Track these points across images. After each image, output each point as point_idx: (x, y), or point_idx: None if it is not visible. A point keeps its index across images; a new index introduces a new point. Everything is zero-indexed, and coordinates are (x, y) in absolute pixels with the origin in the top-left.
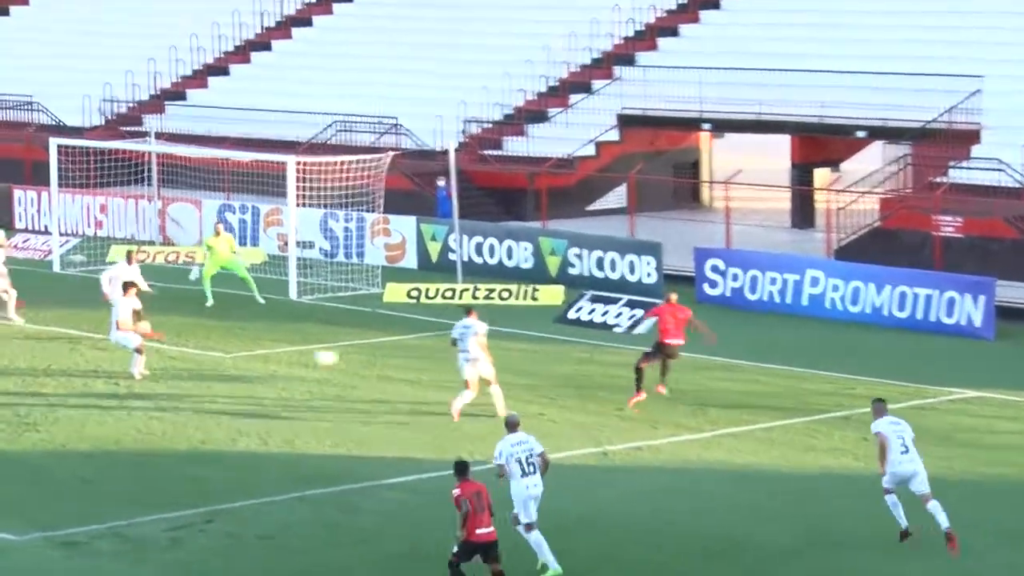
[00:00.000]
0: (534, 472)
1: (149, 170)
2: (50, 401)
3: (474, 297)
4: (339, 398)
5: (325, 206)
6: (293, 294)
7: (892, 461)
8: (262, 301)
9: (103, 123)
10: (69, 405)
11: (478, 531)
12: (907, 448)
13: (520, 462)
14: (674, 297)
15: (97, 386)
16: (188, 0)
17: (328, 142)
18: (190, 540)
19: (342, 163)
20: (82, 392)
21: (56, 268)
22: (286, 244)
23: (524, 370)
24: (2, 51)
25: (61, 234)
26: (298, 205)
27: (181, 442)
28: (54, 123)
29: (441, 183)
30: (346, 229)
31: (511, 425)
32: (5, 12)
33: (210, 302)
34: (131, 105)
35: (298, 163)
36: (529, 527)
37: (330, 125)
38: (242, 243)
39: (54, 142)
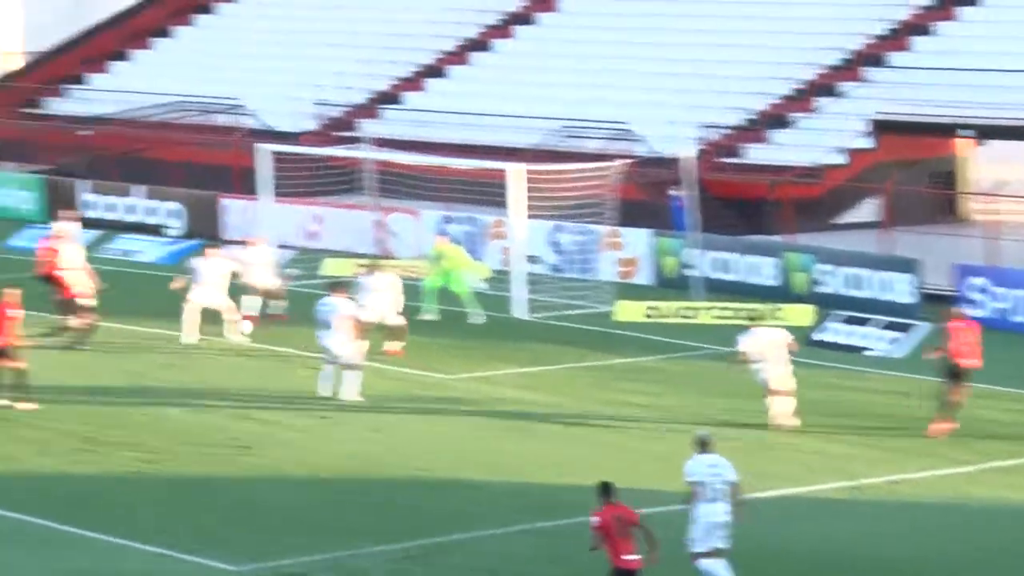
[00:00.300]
0: (722, 499)
1: (363, 178)
2: (265, 424)
3: (714, 316)
4: (569, 423)
5: (552, 218)
6: (518, 312)
7: None
8: (482, 320)
9: (315, 128)
10: (285, 428)
11: (624, 557)
12: None
13: (710, 487)
14: (961, 312)
15: (317, 409)
16: (404, 1)
17: (554, 149)
18: (412, 574)
19: (570, 171)
20: (298, 414)
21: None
22: (510, 259)
23: None
24: (208, 52)
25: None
26: (524, 217)
27: (402, 469)
28: (263, 128)
29: (676, 193)
30: (575, 242)
31: (704, 444)
32: (208, 10)
33: (434, 316)
34: (345, 109)
35: (524, 171)
36: (702, 555)
37: (556, 130)
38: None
39: (263, 148)
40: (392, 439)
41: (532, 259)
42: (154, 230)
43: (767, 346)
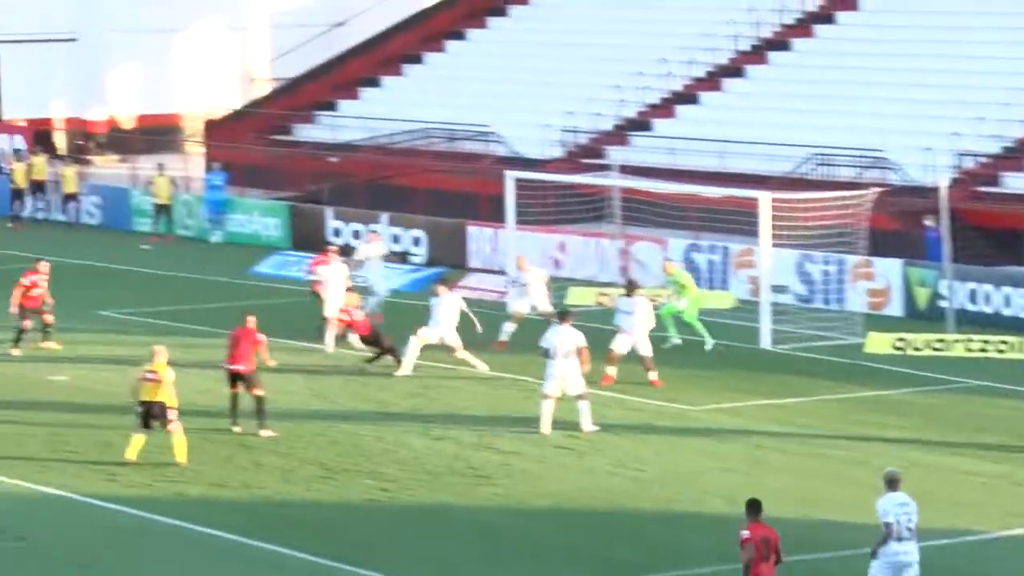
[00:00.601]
0: (911, 539)
1: (610, 206)
2: (505, 453)
3: (967, 349)
4: (814, 457)
5: (801, 247)
6: (765, 342)
7: None
8: (710, 346)
9: (563, 155)
10: (525, 458)
11: None
12: None
13: (900, 524)
14: None
15: (555, 438)
16: (657, 23)
17: (805, 177)
18: None
19: (821, 200)
20: (538, 444)
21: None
22: (758, 288)
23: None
24: (458, 78)
25: None
26: (772, 245)
27: (646, 501)
28: (511, 155)
29: (929, 222)
30: (824, 272)
31: (892, 483)
32: (461, 36)
33: (678, 342)
34: (593, 136)
35: (773, 199)
36: None
37: (808, 158)
38: (711, 286)
39: (511, 175)
40: (634, 470)
41: (779, 289)
42: (399, 257)
43: None
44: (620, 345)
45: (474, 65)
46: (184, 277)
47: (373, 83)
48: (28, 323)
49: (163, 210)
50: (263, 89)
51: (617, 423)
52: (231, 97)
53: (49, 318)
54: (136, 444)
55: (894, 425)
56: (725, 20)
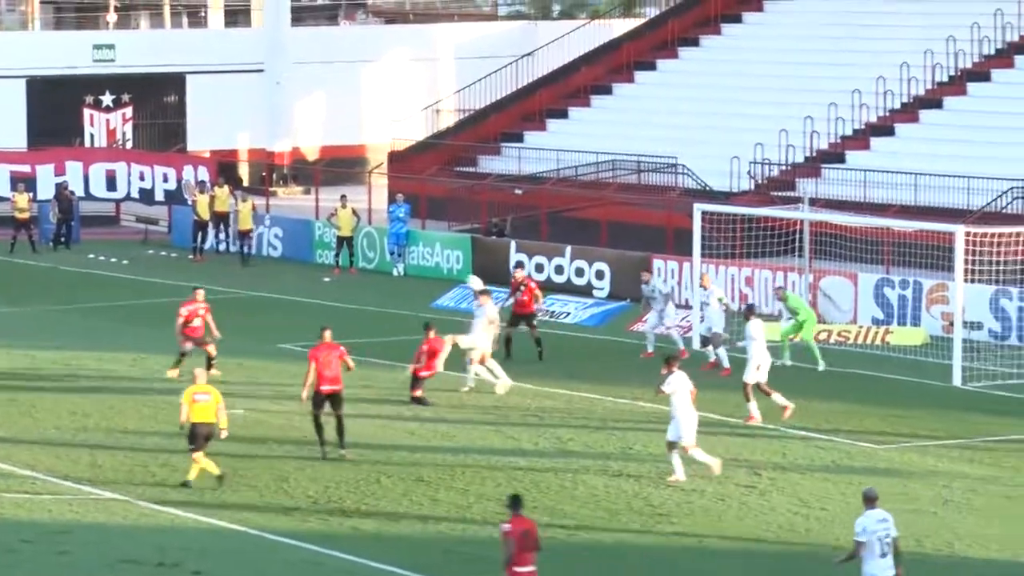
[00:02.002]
0: (889, 554)
1: (800, 239)
2: (686, 491)
3: None
4: (1007, 498)
5: (996, 282)
6: (957, 380)
7: None
8: (822, 368)
9: (752, 187)
10: (706, 496)
11: (516, 569)
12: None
13: (880, 541)
14: None
15: (737, 476)
16: (851, 53)
17: (1004, 210)
18: None
19: (1018, 234)
20: (720, 482)
21: (696, 345)
22: (951, 324)
23: None
24: (645, 109)
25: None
26: (966, 280)
27: (827, 540)
28: (699, 187)
29: None
30: (1020, 309)
31: (870, 500)
32: (651, 67)
33: (821, 366)
34: (784, 168)
35: (968, 233)
36: None
37: (1006, 191)
38: (901, 322)
39: (698, 208)
40: (817, 510)
41: (973, 325)
42: (583, 291)
43: None
44: (750, 376)
45: (663, 96)
46: (366, 310)
47: (560, 114)
48: (188, 345)
49: (345, 242)
50: (448, 120)
51: (801, 462)
52: (416, 128)
53: (212, 350)
54: (195, 467)
55: None
56: (923, 50)
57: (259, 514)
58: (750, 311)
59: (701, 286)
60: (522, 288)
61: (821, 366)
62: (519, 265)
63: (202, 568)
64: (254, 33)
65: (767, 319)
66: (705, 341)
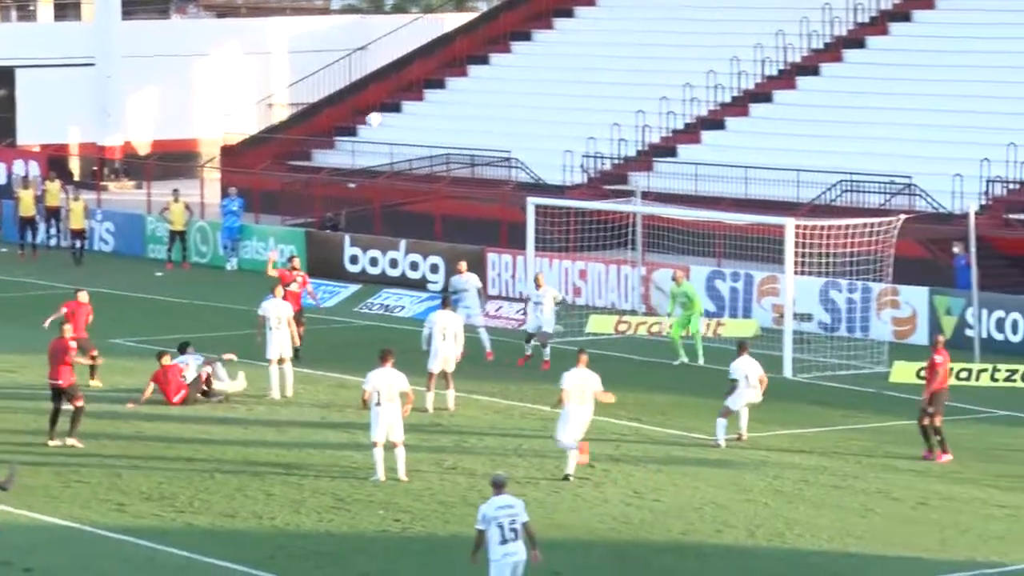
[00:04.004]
0: (515, 539)
1: (633, 233)
2: (520, 483)
3: (993, 379)
4: (836, 488)
5: (826, 274)
6: (788, 371)
7: None
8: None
9: (585, 181)
10: (540, 488)
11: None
12: None
13: (502, 527)
14: None
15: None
16: (681, 48)
17: (832, 203)
18: None
19: (846, 227)
20: (554, 474)
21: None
22: (781, 316)
23: None
24: (479, 103)
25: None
26: (796, 273)
27: (660, 532)
28: (532, 181)
29: (958, 250)
30: (849, 300)
31: (498, 485)
32: (484, 61)
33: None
34: (616, 161)
35: (798, 226)
36: None
37: (834, 185)
38: (733, 314)
39: (531, 201)
40: (651, 501)
41: (803, 317)
42: (417, 284)
43: None
44: (734, 403)
45: (496, 90)
46: (199, 305)
47: (393, 108)
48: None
49: (178, 237)
50: (281, 115)
51: (635, 453)
52: (249, 123)
53: (98, 357)
54: None
55: (917, 456)
56: (752, 44)
57: (92, 511)
58: (742, 348)
59: (536, 284)
60: (298, 281)
61: (701, 360)
62: (294, 257)
63: (34, 565)
64: (84, 27)
65: (601, 311)
66: (530, 338)
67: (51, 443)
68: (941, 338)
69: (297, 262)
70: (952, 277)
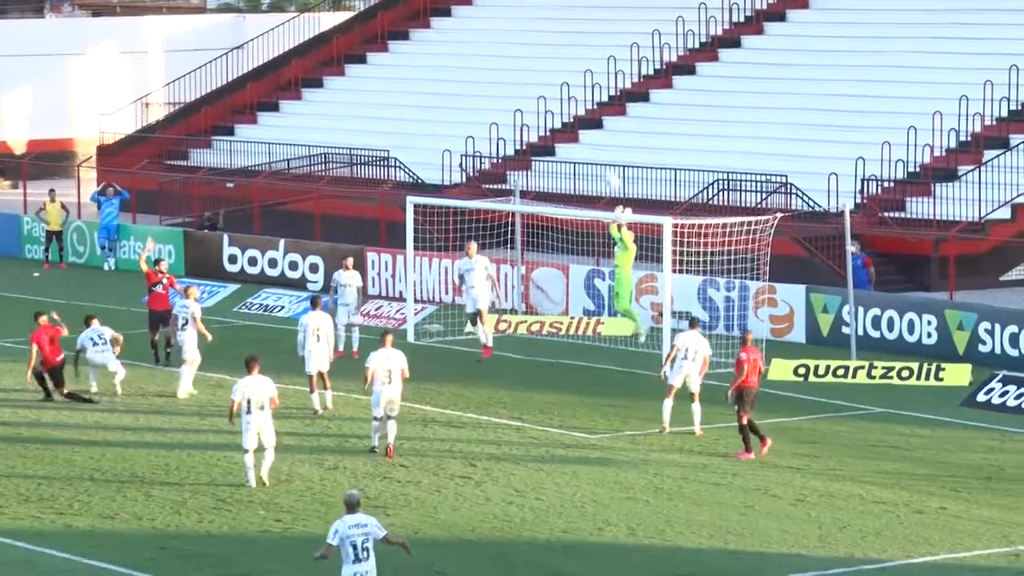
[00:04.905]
0: (367, 559)
1: (513, 232)
2: (401, 483)
3: (869, 376)
4: (716, 485)
5: (704, 273)
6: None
7: None
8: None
9: (463, 180)
10: (422, 488)
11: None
12: None
13: (355, 546)
14: None
15: (452, 467)
16: (558, 47)
17: (709, 202)
18: None
19: (724, 225)
20: (435, 473)
21: (411, 338)
22: (660, 315)
23: (925, 459)
24: (357, 102)
25: (417, 301)
26: (674, 271)
27: (542, 530)
28: (411, 180)
29: (854, 249)
30: (727, 298)
31: (351, 506)
32: (361, 60)
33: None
34: (494, 161)
35: (675, 225)
36: None
37: (711, 183)
38: (612, 313)
39: (411, 200)
40: (532, 499)
41: (683, 315)
42: (296, 284)
43: None
44: (677, 381)
45: (374, 89)
46: (76, 305)
47: (271, 107)
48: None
49: (55, 237)
50: (158, 114)
51: (515, 452)
52: (126, 122)
53: None
54: None
55: (795, 453)
56: (628, 44)
57: None
58: (693, 323)
59: (466, 255)
60: (164, 283)
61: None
62: (160, 260)
63: None
64: None
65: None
66: (473, 319)
67: None
68: (750, 335)
69: (164, 265)
70: (855, 277)
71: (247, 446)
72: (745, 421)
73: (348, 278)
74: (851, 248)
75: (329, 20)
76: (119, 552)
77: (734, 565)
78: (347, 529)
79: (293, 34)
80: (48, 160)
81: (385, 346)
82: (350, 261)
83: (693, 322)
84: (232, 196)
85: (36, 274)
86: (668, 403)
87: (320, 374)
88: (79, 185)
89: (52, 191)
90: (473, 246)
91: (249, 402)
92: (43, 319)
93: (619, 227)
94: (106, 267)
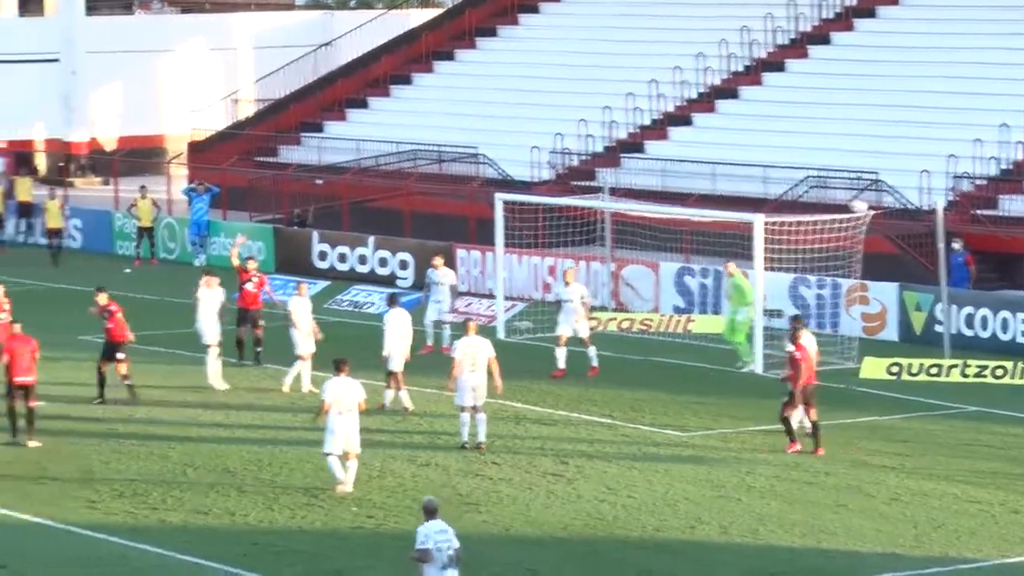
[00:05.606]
0: (453, 567)
1: (602, 229)
2: (493, 480)
3: (963, 374)
4: (808, 483)
5: (795, 270)
6: (760, 368)
7: None
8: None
9: (553, 178)
10: (513, 485)
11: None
12: None
13: (440, 551)
14: None
15: (544, 464)
16: (648, 44)
17: (800, 199)
18: None
19: (815, 223)
20: (527, 470)
21: (501, 335)
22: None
23: (1020, 458)
24: (446, 99)
25: (506, 298)
26: (765, 269)
27: (634, 528)
28: (500, 177)
29: (957, 246)
30: (818, 296)
31: (432, 511)
32: (450, 56)
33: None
34: (583, 158)
35: (766, 222)
36: None
37: (802, 180)
38: (703, 310)
39: (499, 198)
40: (624, 498)
41: (773, 313)
42: (386, 280)
43: None
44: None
45: (463, 86)
46: (167, 301)
47: (360, 104)
48: None
49: (146, 233)
50: (248, 110)
51: (607, 450)
52: (215, 119)
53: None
54: None
55: (889, 452)
56: (718, 40)
57: (64, 508)
58: (797, 322)
59: (565, 282)
60: (254, 280)
61: (751, 366)
62: (251, 258)
63: (6, 562)
64: (47, 22)
65: None
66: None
67: (30, 444)
68: (801, 328)
69: (253, 264)
70: (949, 275)
71: (331, 450)
72: (789, 413)
73: (441, 276)
74: (955, 245)
75: (418, 17)
76: (212, 547)
77: (826, 564)
78: (435, 535)
79: (382, 31)
80: (138, 157)
81: (469, 334)
82: (438, 260)
83: (797, 321)
84: (321, 193)
85: (127, 270)
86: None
87: (394, 372)
88: (169, 181)
89: (143, 187)
90: (570, 272)
91: (337, 404)
92: (101, 297)
93: (732, 271)
94: (197, 263)
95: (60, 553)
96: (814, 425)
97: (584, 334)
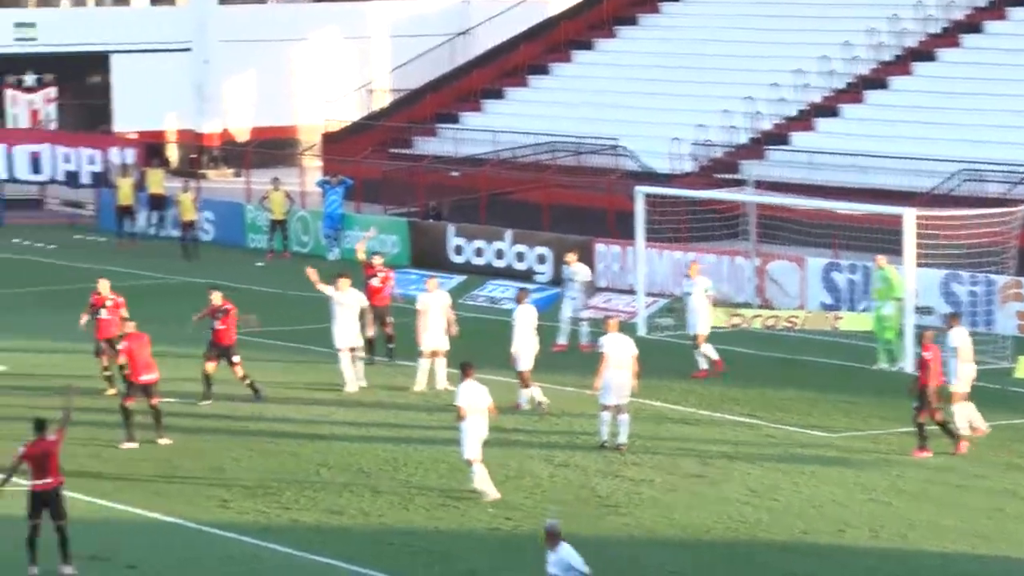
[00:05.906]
0: None
1: (746, 223)
2: (634, 481)
3: None
4: (960, 487)
5: (947, 266)
6: (910, 367)
7: None
8: (886, 367)
9: (695, 170)
10: (655, 487)
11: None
12: None
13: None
14: None
15: (686, 465)
16: (793, 33)
17: (952, 193)
18: None
19: (968, 217)
20: (669, 472)
21: (641, 332)
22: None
23: None
24: (584, 89)
25: (648, 294)
26: (916, 264)
27: (780, 532)
28: (641, 170)
29: None
30: (971, 293)
31: (554, 536)
32: (588, 46)
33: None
34: (727, 150)
35: (917, 216)
36: None
37: (955, 174)
38: (851, 307)
39: (640, 191)
40: (769, 501)
41: (924, 310)
42: (524, 276)
43: None
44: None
45: (602, 76)
46: (299, 295)
47: (497, 95)
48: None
49: (278, 226)
50: (383, 101)
51: (751, 451)
52: (349, 109)
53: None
54: None
55: None
56: (866, 29)
57: (195, 507)
58: (954, 319)
59: (687, 275)
60: (380, 276)
61: (900, 364)
62: (377, 253)
63: (136, 562)
64: (180, 11)
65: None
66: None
67: (160, 441)
68: (930, 334)
69: (379, 259)
70: None
71: (470, 456)
72: (924, 419)
73: (577, 271)
74: None
75: (555, 5)
76: (346, 547)
77: (978, 570)
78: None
79: (519, 20)
80: (271, 148)
81: (612, 331)
82: (571, 256)
83: (954, 317)
84: (457, 185)
85: (260, 264)
86: (965, 407)
87: (522, 372)
88: (302, 173)
89: (276, 179)
90: (695, 267)
91: (470, 409)
92: (216, 296)
93: (882, 263)
94: (330, 256)
95: (191, 553)
96: (940, 425)
97: (703, 331)
